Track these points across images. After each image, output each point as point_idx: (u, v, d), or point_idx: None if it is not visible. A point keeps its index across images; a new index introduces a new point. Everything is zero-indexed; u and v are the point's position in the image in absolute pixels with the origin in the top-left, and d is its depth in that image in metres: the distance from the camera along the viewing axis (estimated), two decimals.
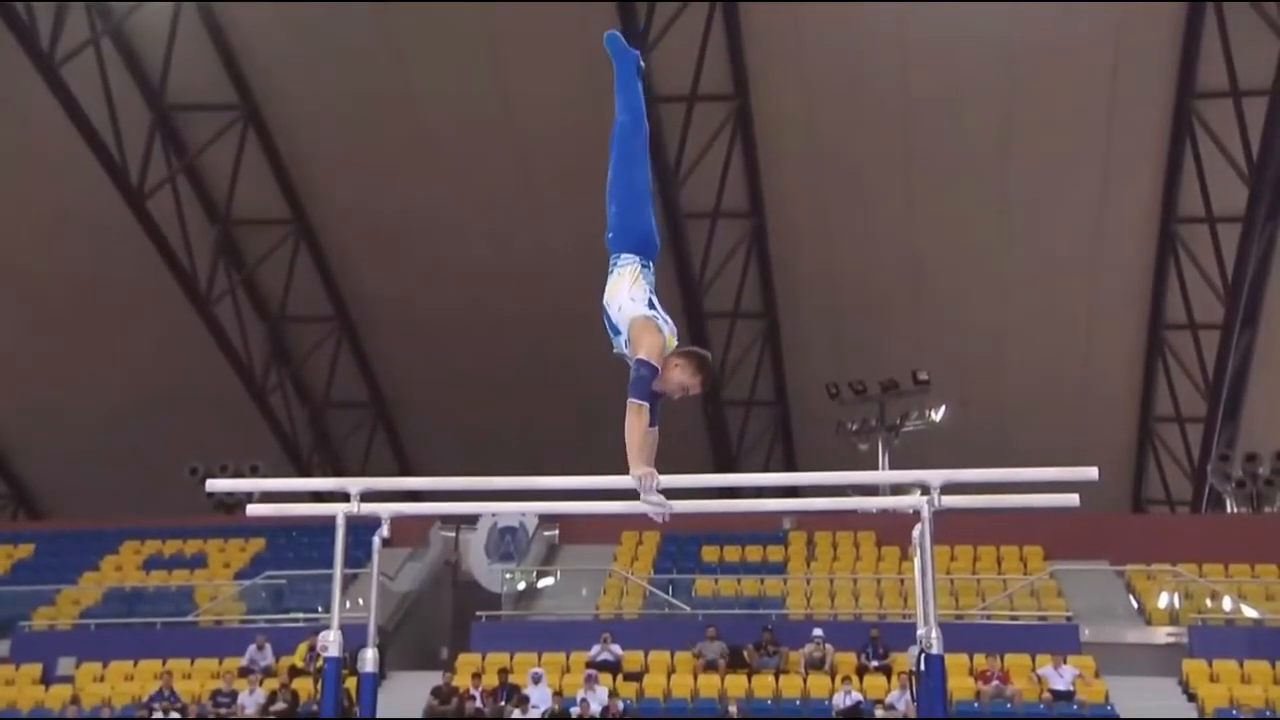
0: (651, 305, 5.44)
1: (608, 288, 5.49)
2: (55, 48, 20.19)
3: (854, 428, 23.40)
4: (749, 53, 21.38)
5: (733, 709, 15.66)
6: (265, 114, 23.12)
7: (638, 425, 5.23)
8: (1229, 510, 23.68)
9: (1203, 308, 23.10)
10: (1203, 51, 20.58)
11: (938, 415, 22.97)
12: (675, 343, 5.41)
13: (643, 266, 5.52)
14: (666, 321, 5.42)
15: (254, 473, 22.38)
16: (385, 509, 5.64)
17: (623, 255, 5.52)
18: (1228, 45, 19.91)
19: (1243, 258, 21.73)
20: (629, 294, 5.44)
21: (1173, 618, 17.97)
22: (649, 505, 5.24)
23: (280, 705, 15.93)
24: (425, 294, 24.72)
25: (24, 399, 26.06)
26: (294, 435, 26.77)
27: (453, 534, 20.54)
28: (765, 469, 26.11)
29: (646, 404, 5.26)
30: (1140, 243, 23.29)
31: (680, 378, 5.34)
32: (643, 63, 5.79)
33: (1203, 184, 21.70)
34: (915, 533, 5.32)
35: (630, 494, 5.35)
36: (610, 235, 5.58)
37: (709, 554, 20.08)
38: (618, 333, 5.45)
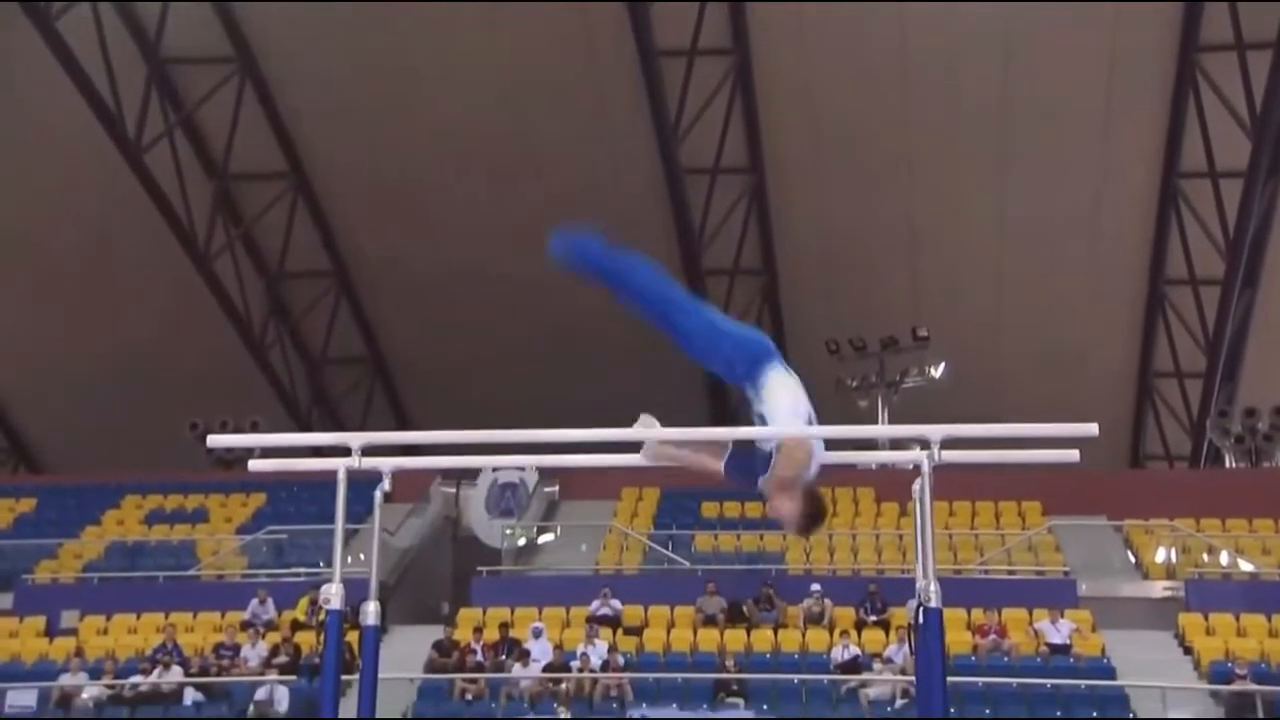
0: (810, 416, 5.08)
1: (767, 411, 5.07)
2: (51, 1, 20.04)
3: (854, 384, 23.38)
4: (749, 7, 21.23)
5: (729, 663, 15.72)
6: (263, 67, 22.98)
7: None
8: (1227, 465, 23.73)
9: (1204, 263, 23.06)
10: (1206, 4, 20.43)
11: (937, 372, 22.95)
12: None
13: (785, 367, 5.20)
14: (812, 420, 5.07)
15: (254, 428, 22.38)
16: (386, 464, 5.60)
17: (765, 371, 5.18)
18: None
19: (1245, 213, 21.68)
20: (789, 408, 5.06)
21: (1170, 572, 18.02)
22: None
23: (282, 658, 16.03)
24: (424, 250, 24.64)
25: (24, 354, 26.04)
26: (293, 391, 26.79)
27: (453, 490, 20.55)
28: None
29: (728, 451, 5.13)
30: (1142, 197, 23.21)
31: (789, 508, 4.99)
32: (595, 237, 5.46)
33: (1205, 138, 21.60)
34: (915, 488, 5.30)
35: (630, 447, 5.35)
36: (739, 370, 5.26)
37: (709, 510, 20.12)
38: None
